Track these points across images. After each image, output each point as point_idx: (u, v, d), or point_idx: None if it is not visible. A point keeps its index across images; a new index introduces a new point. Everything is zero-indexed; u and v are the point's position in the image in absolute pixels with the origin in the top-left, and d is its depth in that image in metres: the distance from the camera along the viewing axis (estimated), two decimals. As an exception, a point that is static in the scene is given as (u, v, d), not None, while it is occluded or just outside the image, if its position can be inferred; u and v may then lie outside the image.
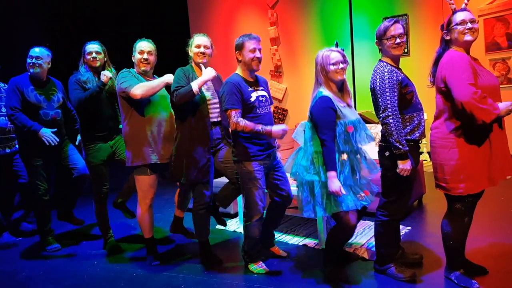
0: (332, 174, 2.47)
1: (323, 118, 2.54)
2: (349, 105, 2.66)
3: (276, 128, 2.73)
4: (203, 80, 2.88)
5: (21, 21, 5.46)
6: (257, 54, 2.80)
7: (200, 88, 2.87)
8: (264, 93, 2.91)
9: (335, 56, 2.58)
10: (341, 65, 2.58)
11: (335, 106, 2.54)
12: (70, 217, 3.88)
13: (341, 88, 2.68)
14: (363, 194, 2.60)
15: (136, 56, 3.15)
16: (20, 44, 5.27)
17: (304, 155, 2.63)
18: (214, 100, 3.02)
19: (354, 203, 2.51)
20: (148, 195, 3.17)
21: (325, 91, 2.59)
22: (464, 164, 2.33)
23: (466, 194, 2.36)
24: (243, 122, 2.71)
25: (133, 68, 3.19)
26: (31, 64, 3.47)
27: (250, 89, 2.81)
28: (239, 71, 2.87)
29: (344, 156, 2.53)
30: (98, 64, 3.39)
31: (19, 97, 3.43)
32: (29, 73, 3.53)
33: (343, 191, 2.46)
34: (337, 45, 2.71)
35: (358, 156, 2.62)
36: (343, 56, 2.61)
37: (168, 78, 3.07)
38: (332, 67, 2.57)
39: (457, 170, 2.34)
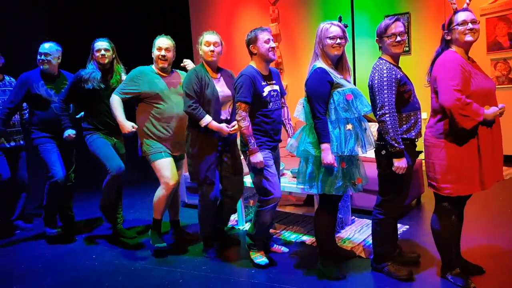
0: (326, 146, 2.49)
1: (317, 89, 2.54)
2: (347, 81, 2.64)
3: (259, 157, 2.75)
4: (216, 127, 2.92)
5: (23, 14, 5.45)
6: (272, 44, 2.83)
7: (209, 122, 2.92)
8: (277, 87, 2.93)
9: (334, 30, 2.56)
10: (338, 40, 2.56)
11: (330, 78, 2.53)
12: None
13: (339, 64, 2.67)
14: (356, 182, 2.61)
15: (155, 53, 3.18)
16: (22, 38, 5.26)
17: (309, 132, 2.62)
18: (227, 97, 3.03)
19: (345, 189, 2.57)
20: (168, 178, 3.13)
21: (320, 64, 2.58)
22: (455, 165, 2.34)
23: (455, 195, 2.38)
24: (246, 123, 2.73)
25: (152, 64, 3.24)
26: (40, 61, 3.57)
27: (263, 83, 2.83)
28: (253, 64, 2.87)
29: (349, 126, 2.52)
30: (106, 61, 3.40)
31: (23, 94, 3.55)
32: (40, 69, 3.61)
33: (336, 164, 2.49)
34: (340, 20, 2.69)
35: (363, 124, 2.59)
36: (343, 31, 2.59)
37: (122, 124, 3.09)
38: (329, 41, 2.56)
39: (447, 170, 2.36)
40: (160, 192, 3.18)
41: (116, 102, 3.12)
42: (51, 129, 3.60)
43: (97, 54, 3.39)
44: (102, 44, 3.40)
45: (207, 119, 2.91)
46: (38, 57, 3.56)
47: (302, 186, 2.68)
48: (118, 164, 3.33)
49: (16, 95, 3.57)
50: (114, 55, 3.47)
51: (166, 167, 3.14)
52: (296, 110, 2.74)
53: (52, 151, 3.58)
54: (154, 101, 3.14)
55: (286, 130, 3.10)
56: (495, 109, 2.30)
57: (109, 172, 3.31)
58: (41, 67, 3.57)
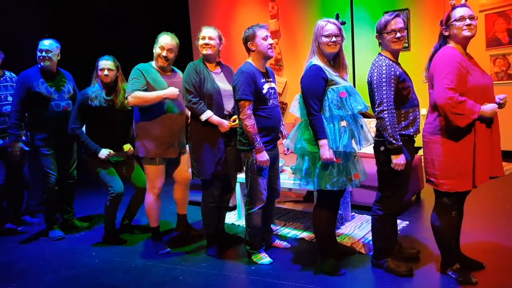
0: (323, 142, 2.49)
1: (311, 86, 2.54)
2: (343, 79, 2.64)
3: (265, 155, 2.74)
4: (216, 121, 2.92)
5: (23, 10, 5.44)
6: (270, 40, 2.82)
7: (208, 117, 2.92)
8: (274, 85, 2.93)
9: (329, 28, 2.56)
10: (334, 38, 2.55)
11: (325, 75, 2.53)
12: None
13: (336, 61, 2.67)
14: (353, 177, 2.61)
15: (157, 50, 3.13)
16: (22, 33, 5.25)
17: (305, 129, 2.63)
18: (228, 92, 3.02)
19: (343, 184, 2.58)
20: (156, 184, 3.21)
21: (316, 61, 2.58)
22: (452, 161, 2.34)
23: (454, 191, 2.38)
24: (252, 121, 2.71)
25: (152, 60, 3.19)
26: (41, 57, 3.54)
27: (263, 80, 2.82)
28: (251, 60, 2.86)
29: (344, 123, 2.53)
30: (109, 80, 3.38)
31: (24, 93, 3.52)
32: (39, 66, 3.58)
33: (335, 160, 2.50)
34: (337, 17, 2.68)
35: (358, 121, 2.59)
36: (339, 29, 2.59)
37: (170, 92, 3.05)
38: (324, 39, 2.56)
39: (446, 166, 2.36)
40: (147, 199, 3.25)
41: (140, 93, 3.00)
42: (51, 127, 3.59)
43: (101, 73, 3.37)
44: (106, 63, 3.37)
45: (207, 114, 2.90)
46: (39, 53, 3.52)
47: (299, 182, 2.69)
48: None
49: (19, 96, 3.54)
50: (118, 74, 3.44)
51: (153, 174, 3.19)
52: (292, 106, 2.74)
53: (49, 155, 3.59)
54: (154, 103, 3.09)
55: (281, 131, 3.10)
56: (493, 106, 2.29)
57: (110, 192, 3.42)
58: (42, 64, 3.54)
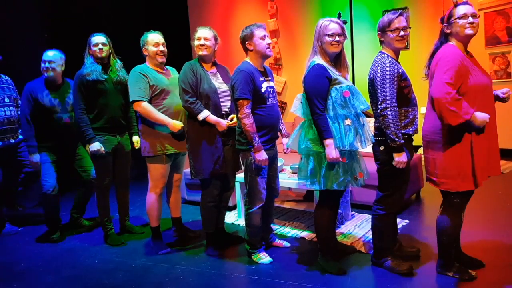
0: (329, 141, 2.49)
1: (315, 86, 2.53)
2: (345, 78, 2.64)
3: (264, 154, 2.74)
4: (214, 121, 2.92)
5: (20, 11, 5.42)
6: (268, 40, 2.83)
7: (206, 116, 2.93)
8: (272, 84, 2.93)
9: (333, 27, 2.56)
10: (337, 38, 2.55)
11: (329, 74, 2.53)
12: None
13: (337, 61, 2.66)
14: (358, 176, 2.61)
15: (151, 49, 3.14)
16: (19, 35, 5.24)
17: (309, 128, 2.62)
18: (225, 91, 3.02)
19: (346, 184, 2.58)
20: (159, 184, 3.21)
21: (318, 60, 2.58)
22: (454, 160, 2.33)
23: (454, 191, 2.37)
24: (250, 120, 2.71)
25: (145, 62, 3.19)
26: (44, 68, 3.56)
27: (261, 79, 2.82)
28: (249, 60, 2.86)
29: (348, 121, 2.52)
30: (104, 55, 3.38)
31: (32, 105, 3.56)
32: (44, 77, 3.60)
33: (341, 159, 2.50)
34: (339, 16, 2.68)
35: (361, 120, 2.59)
36: (342, 29, 2.59)
37: (172, 124, 3.05)
38: (327, 38, 2.55)
39: (447, 166, 2.35)
40: (149, 199, 3.23)
41: (150, 108, 3.03)
42: (53, 139, 3.62)
43: (94, 48, 3.36)
44: (99, 39, 3.38)
45: (204, 113, 2.90)
46: (42, 64, 3.54)
47: (304, 182, 2.68)
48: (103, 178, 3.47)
49: (28, 107, 3.57)
50: (111, 50, 3.45)
51: (158, 174, 3.17)
52: (293, 105, 2.74)
53: (46, 161, 3.61)
54: (159, 98, 3.11)
55: (280, 130, 3.10)
56: (486, 116, 2.21)
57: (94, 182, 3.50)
58: (45, 74, 3.56)
